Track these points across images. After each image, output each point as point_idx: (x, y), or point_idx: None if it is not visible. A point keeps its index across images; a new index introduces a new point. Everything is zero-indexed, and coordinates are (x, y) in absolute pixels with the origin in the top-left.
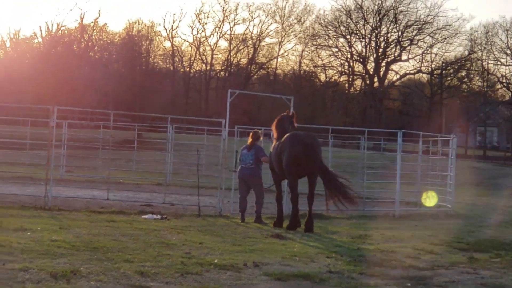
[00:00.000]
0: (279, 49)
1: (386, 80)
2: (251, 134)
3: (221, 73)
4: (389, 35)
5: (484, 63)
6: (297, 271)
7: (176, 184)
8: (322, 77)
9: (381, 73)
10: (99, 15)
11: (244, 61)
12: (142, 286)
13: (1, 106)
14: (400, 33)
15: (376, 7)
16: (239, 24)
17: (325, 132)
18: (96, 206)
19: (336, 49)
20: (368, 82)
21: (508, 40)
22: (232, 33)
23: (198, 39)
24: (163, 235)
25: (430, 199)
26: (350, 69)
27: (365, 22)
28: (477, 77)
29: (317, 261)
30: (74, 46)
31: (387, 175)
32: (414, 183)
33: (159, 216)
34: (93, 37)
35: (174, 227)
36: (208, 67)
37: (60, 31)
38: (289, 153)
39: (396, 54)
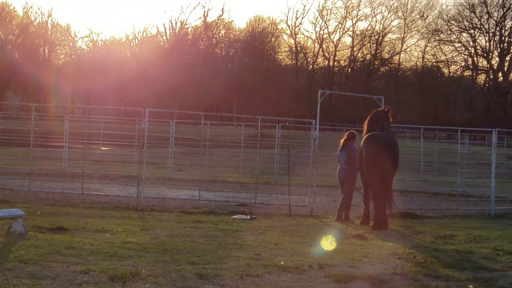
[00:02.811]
0: (402, 45)
1: (511, 75)
2: (346, 134)
3: (345, 69)
4: None
5: None
6: (359, 273)
7: (285, 183)
8: (446, 72)
9: (505, 68)
10: (222, 13)
11: (367, 57)
12: None
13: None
14: None
15: (500, 0)
16: (361, 20)
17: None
18: (190, 206)
19: (459, 44)
20: (492, 77)
21: None
22: (355, 29)
23: (321, 35)
24: (242, 236)
25: None
26: (473, 64)
27: (489, 16)
28: None
29: (386, 262)
30: (200, 44)
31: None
32: None
33: (248, 216)
34: (217, 34)
35: (258, 228)
36: (331, 63)
37: (184, 29)
38: (366, 151)
39: None
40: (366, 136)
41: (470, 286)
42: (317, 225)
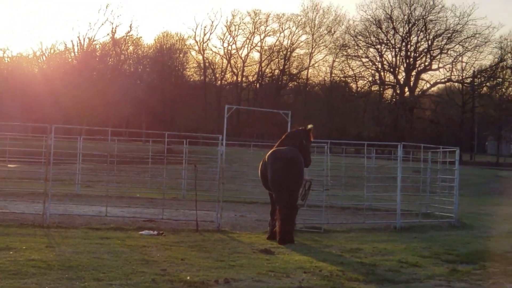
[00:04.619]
0: (310, 60)
1: (417, 90)
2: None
3: (254, 84)
4: (419, 44)
5: None
6: (265, 287)
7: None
8: (354, 87)
9: (412, 83)
10: (131, 29)
11: (276, 72)
12: None
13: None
14: (430, 42)
15: (405, 16)
16: (269, 35)
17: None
18: (96, 223)
19: (367, 59)
20: (398, 91)
21: None
22: (263, 44)
23: (229, 51)
24: (149, 251)
25: None
26: (380, 79)
27: (395, 32)
28: (507, 85)
29: (293, 276)
30: (108, 60)
31: (388, 187)
32: (419, 194)
33: (155, 232)
34: (126, 50)
35: (165, 243)
36: (240, 79)
37: (92, 46)
38: (271, 168)
39: (426, 64)
40: (270, 152)
41: None
42: (224, 240)
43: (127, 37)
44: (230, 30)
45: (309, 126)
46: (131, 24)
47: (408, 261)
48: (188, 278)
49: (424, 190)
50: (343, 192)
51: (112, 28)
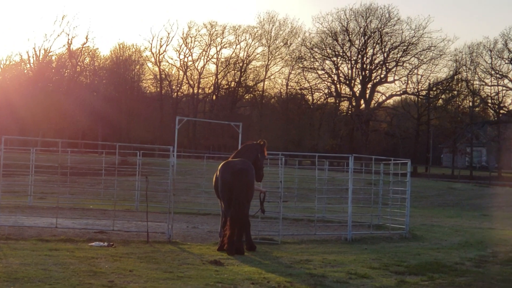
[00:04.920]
0: (266, 72)
1: (373, 102)
2: None
3: (210, 96)
4: (374, 57)
5: (469, 84)
6: None
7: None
8: (310, 99)
9: (367, 95)
10: (87, 40)
11: (232, 84)
12: None
13: None
14: (385, 54)
15: (361, 29)
16: (226, 47)
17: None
18: (47, 234)
19: (323, 71)
20: (354, 104)
21: (492, 61)
22: (219, 56)
23: (185, 63)
24: (98, 263)
25: None
26: (336, 91)
27: (351, 44)
28: (462, 97)
29: (240, 287)
30: (64, 71)
31: (341, 199)
32: (371, 206)
33: (106, 243)
34: (82, 62)
35: (114, 255)
36: (196, 91)
37: (48, 57)
38: (221, 179)
39: (382, 76)
40: (222, 163)
41: None
42: (174, 251)
43: (83, 49)
44: (186, 42)
45: (263, 141)
46: (87, 36)
47: (357, 272)
48: None
49: (376, 202)
50: (296, 204)
51: (68, 39)
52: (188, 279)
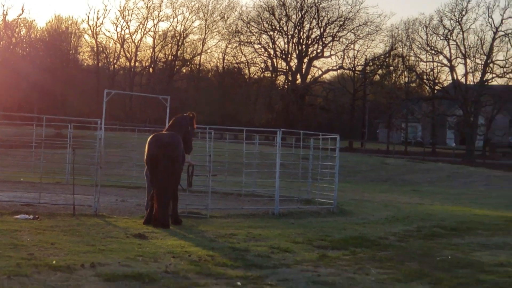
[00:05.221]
0: (203, 46)
1: (309, 77)
2: None
3: (147, 69)
4: (311, 31)
5: (405, 60)
6: (130, 272)
7: (76, 183)
8: (246, 73)
9: (304, 70)
10: (23, 11)
11: (169, 57)
12: None
13: None
14: (322, 29)
15: (298, 3)
16: (163, 21)
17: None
18: None
19: (259, 46)
20: (290, 78)
21: (427, 37)
22: (157, 29)
23: (122, 36)
24: (20, 236)
25: None
26: (273, 65)
27: (288, 19)
28: (399, 73)
29: (161, 261)
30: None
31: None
32: (300, 181)
33: (31, 216)
34: (18, 33)
35: (38, 227)
36: (133, 64)
37: None
38: (148, 151)
39: (318, 51)
40: (150, 137)
41: (238, 283)
42: (100, 225)
43: (20, 20)
44: (123, 15)
45: (192, 114)
46: (23, 7)
47: (279, 247)
48: (54, 262)
49: (306, 177)
50: (227, 178)
51: (4, 10)
52: (109, 252)
